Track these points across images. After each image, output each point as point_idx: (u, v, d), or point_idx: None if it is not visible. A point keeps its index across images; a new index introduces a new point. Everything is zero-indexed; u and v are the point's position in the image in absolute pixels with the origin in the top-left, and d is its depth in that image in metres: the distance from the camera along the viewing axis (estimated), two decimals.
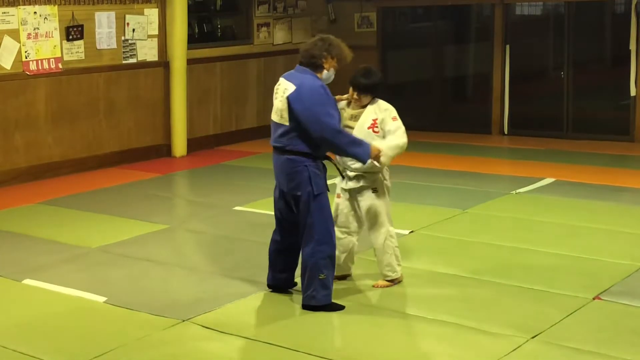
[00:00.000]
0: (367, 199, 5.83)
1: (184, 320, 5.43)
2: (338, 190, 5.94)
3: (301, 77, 5.47)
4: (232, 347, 5.06)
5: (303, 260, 5.54)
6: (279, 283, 5.87)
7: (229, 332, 5.23)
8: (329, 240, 5.50)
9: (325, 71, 5.51)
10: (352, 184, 5.84)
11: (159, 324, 5.38)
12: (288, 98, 5.40)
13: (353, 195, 5.88)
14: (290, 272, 5.86)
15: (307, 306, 5.54)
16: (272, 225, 7.69)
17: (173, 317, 5.47)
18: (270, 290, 5.88)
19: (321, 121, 5.34)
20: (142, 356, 4.97)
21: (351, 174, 5.82)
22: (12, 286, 6.23)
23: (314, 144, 5.43)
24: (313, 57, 5.50)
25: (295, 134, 5.43)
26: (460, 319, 5.37)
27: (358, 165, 5.69)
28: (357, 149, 5.44)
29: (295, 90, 5.40)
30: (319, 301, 5.49)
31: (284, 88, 5.48)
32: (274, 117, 5.56)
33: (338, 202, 5.93)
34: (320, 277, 5.46)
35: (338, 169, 5.78)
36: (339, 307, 5.53)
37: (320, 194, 5.47)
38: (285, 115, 5.44)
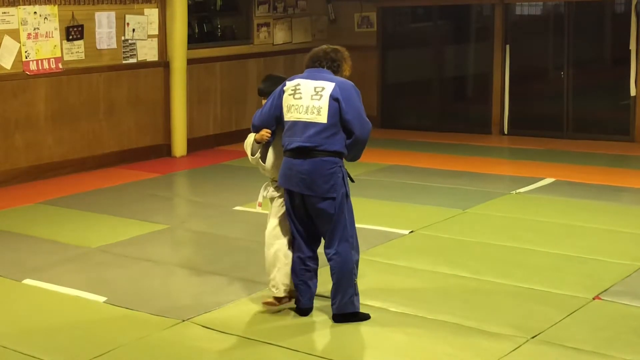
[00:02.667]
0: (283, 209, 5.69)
1: (184, 320, 5.43)
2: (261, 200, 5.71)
3: (330, 77, 5.39)
4: (232, 347, 5.06)
5: (336, 267, 5.31)
6: (311, 304, 5.51)
7: (229, 332, 5.23)
8: (358, 245, 5.42)
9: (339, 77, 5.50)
10: (277, 193, 5.65)
11: (159, 324, 5.38)
12: (332, 95, 5.26)
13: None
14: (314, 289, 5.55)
15: (343, 314, 5.34)
16: None
17: (173, 317, 5.47)
18: (301, 314, 5.48)
19: (364, 120, 5.33)
20: (142, 356, 4.97)
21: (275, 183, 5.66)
22: (12, 286, 6.23)
23: (345, 143, 5.32)
24: (334, 61, 5.48)
25: (331, 132, 5.28)
26: (460, 319, 5.37)
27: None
28: None
29: (337, 87, 5.29)
30: (356, 308, 5.37)
31: (314, 86, 5.33)
32: (304, 116, 5.30)
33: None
34: (355, 283, 5.36)
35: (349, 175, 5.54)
36: (367, 317, 5.41)
37: (349, 196, 5.39)
38: (324, 112, 5.27)
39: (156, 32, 10.97)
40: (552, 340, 5.04)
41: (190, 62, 11.18)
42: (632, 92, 11.58)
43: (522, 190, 8.88)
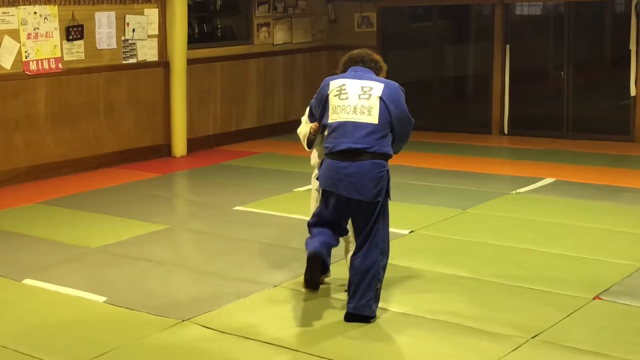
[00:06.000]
0: None
1: (184, 320, 5.43)
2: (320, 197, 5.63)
3: (375, 77, 5.40)
4: (232, 347, 5.06)
5: (362, 267, 5.28)
6: (324, 250, 5.30)
7: (229, 332, 5.23)
8: (388, 250, 5.40)
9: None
10: None
11: (159, 324, 5.38)
12: (381, 97, 5.24)
13: None
14: (329, 253, 5.42)
15: (357, 315, 5.30)
16: (272, 225, 7.72)
17: (173, 317, 5.47)
18: (312, 256, 5.25)
19: (410, 120, 5.38)
20: (142, 356, 4.98)
21: None
22: (12, 286, 6.23)
23: (391, 144, 5.34)
24: (378, 62, 5.51)
25: (382, 133, 5.24)
26: (460, 319, 5.37)
27: None
28: None
29: (386, 88, 5.29)
30: (373, 312, 5.33)
31: (361, 86, 5.29)
32: (352, 116, 5.23)
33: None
34: (378, 287, 5.33)
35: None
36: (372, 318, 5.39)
37: (389, 200, 5.39)
38: (375, 112, 5.22)
39: (156, 32, 10.97)
40: (552, 340, 5.04)
41: (190, 62, 11.18)
42: (632, 92, 11.58)
43: (522, 190, 8.88)
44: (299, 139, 5.80)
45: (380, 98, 5.25)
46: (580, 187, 9.03)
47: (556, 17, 12.59)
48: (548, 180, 9.32)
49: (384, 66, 5.61)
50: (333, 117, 5.31)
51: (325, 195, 5.38)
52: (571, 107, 12.15)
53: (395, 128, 5.32)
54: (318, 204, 5.57)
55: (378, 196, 5.24)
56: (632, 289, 5.91)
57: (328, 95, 5.36)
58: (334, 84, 5.38)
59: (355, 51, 5.60)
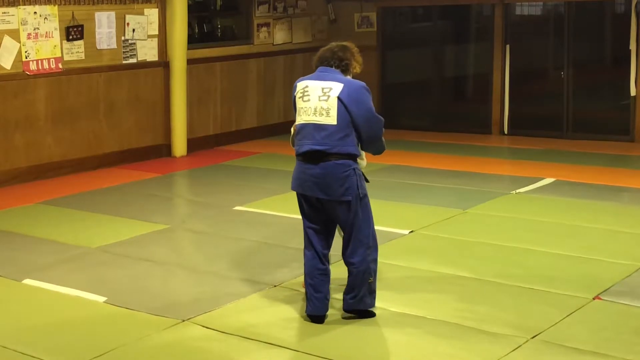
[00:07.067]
0: None
1: (184, 320, 5.43)
2: None
3: (339, 77, 5.34)
4: (232, 347, 5.06)
5: (350, 264, 5.36)
6: (325, 307, 5.43)
7: (229, 332, 5.23)
8: (376, 244, 5.43)
9: (349, 76, 5.47)
10: None
11: (159, 324, 5.38)
12: (339, 97, 5.22)
13: None
14: (327, 305, 5.47)
15: (354, 310, 5.40)
16: (272, 225, 7.72)
17: (173, 317, 5.47)
18: (311, 320, 5.39)
19: (375, 120, 5.31)
20: (142, 356, 4.98)
21: None
22: (12, 286, 6.23)
23: (357, 144, 5.32)
24: (343, 60, 5.43)
25: (343, 134, 5.23)
26: (460, 319, 5.37)
27: None
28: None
29: (345, 88, 5.24)
30: (368, 305, 5.40)
31: (321, 87, 5.29)
32: (313, 118, 5.26)
33: None
34: (369, 281, 5.38)
35: (363, 175, 5.53)
36: (373, 314, 5.45)
37: (365, 196, 5.37)
38: (334, 114, 5.22)
39: (156, 32, 10.97)
40: (552, 340, 5.04)
41: (190, 62, 11.18)
42: (632, 92, 11.58)
43: (522, 190, 8.88)
44: None
45: (339, 98, 5.22)
46: (580, 187, 9.03)
47: (556, 17, 12.59)
48: (548, 180, 9.32)
49: (354, 62, 5.47)
50: (298, 119, 5.38)
51: (299, 201, 5.42)
52: (571, 107, 12.15)
53: (361, 128, 5.26)
54: None
55: (345, 195, 5.26)
56: (632, 289, 5.91)
57: (295, 97, 5.42)
58: (299, 86, 5.41)
59: (322, 50, 5.53)
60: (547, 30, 12.64)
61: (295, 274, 6.20)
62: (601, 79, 12.61)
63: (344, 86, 5.25)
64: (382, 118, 5.38)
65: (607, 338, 5.06)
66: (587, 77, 12.37)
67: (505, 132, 12.51)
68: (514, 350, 4.90)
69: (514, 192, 8.83)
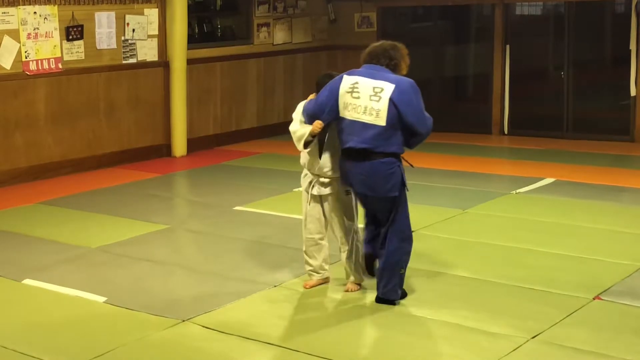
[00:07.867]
0: (336, 202, 5.79)
1: (184, 320, 5.43)
2: (309, 198, 5.79)
3: (389, 76, 5.40)
4: (232, 347, 5.06)
5: (385, 255, 5.52)
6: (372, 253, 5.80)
7: (229, 332, 5.23)
8: (411, 236, 5.59)
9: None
10: (326, 191, 5.76)
11: (159, 324, 5.38)
12: (392, 99, 5.29)
13: (320, 201, 5.81)
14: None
15: (385, 299, 5.57)
16: (272, 225, 7.72)
17: (173, 317, 5.47)
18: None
19: (425, 118, 5.50)
20: (142, 356, 4.97)
21: (325, 180, 5.73)
22: (12, 286, 6.23)
23: (402, 143, 5.46)
24: (393, 59, 5.50)
25: (389, 134, 5.36)
26: (460, 319, 5.37)
27: (332, 173, 5.67)
28: None
29: (396, 89, 5.32)
30: (398, 296, 5.59)
31: (372, 86, 5.34)
32: (362, 116, 5.34)
33: (308, 210, 5.84)
34: (401, 272, 5.56)
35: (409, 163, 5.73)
36: (396, 300, 5.63)
37: (405, 187, 5.53)
38: (383, 115, 5.31)
39: (156, 32, 10.97)
40: (552, 340, 5.04)
41: (190, 62, 11.18)
42: (632, 92, 11.58)
43: (522, 190, 8.88)
44: None
45: (391, 99, 5.30)
46: (581, 187, 9.03)
47: (556, 17, 12.59)
48: (548, 180, 9.32)
49: (403, 63, 5.56)
50: (344, 114, 5.42)
51: (353, 192, 5.68)
52: (571, 107, 12.15)
53: (413, 125, 5.41)
54: (307, 205, 5.79)
55: (392, 191, 5.43)
56: (632, 289, 5.91)
57: (339, 87, 5.42)
58: (348, 80, 5.44)
59: (373, 46, 5.61)
60: (547, 30, 12.64)
61: (295, 274, 6.20)
62: (601, 79, 12.61)
63: (395, 87, 5.33)
64: (431, 117, 5.58)
65: (607, 338, 5.06)
66: (587, 77, 12.37)
67: (506, 132, 12.51)
68: (514, 350, 4.90)
69: (514, 192, 8.83)
